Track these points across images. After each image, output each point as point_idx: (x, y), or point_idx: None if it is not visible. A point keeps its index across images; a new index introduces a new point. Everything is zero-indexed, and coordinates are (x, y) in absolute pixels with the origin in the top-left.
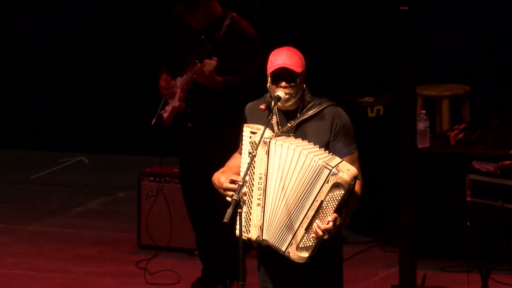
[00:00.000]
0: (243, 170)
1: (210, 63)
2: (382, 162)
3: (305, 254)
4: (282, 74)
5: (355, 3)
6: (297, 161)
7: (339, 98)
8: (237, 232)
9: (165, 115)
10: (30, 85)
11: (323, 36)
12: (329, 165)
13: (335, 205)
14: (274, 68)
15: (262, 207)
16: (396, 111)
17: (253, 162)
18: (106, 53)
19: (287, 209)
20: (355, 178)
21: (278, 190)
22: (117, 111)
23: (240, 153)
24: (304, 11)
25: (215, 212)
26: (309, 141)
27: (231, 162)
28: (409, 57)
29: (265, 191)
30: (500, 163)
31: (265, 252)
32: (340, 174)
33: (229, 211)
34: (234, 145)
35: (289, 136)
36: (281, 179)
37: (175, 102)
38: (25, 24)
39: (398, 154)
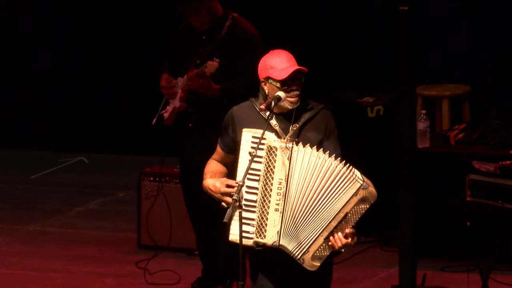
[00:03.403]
0: (241, 172)
1: (212, 65)
2: (382, 162)
3: (318, 263)
4: (295, 77)
5: (355, 3)
6: (322, 167)
7: (339, 98)
8: (233, 233)
9: (165, 115)
10: (30, 85)
11: (323, 36)
12: (360, 178)
13: (357, 219)
14: (290, 72)
15: (280, 212)
16: (396, 111)
17: (271, 167)
18: (106, 53)
19: (309, 216)
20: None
21: (300, 197)
22: (117, 111)
23: (216, 159)
24: (304, 11)
25: (215, 212)
26: (312, 143)
27: (211, 168)
28: (408, 57)
29: (285, 196)
30: (500, 163)
31: (261, 257)
32: (370, 189)
33: (229, 211)
34: None
35: (298, 141)
36: (307, 186)
37: (176, 102)
38: (25, 24)
39: (398, 154)
